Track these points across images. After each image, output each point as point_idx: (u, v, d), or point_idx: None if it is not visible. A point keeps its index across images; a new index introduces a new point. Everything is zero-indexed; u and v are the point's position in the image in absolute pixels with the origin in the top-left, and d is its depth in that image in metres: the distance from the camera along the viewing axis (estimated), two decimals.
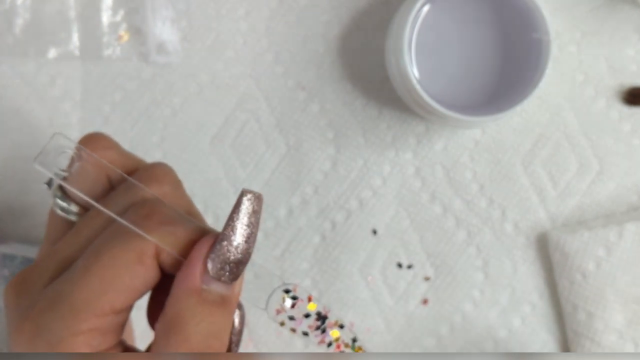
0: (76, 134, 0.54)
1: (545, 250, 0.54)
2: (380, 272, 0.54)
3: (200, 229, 0.32)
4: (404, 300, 0.54)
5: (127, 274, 0.31)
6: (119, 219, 0.31)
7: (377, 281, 0.54)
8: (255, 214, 0.32)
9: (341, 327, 0.36)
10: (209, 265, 0.31)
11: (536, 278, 0.54)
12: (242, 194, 0.32)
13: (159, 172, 0.34)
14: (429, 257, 0.54)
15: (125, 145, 0.36)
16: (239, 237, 0.31)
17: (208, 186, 0.54)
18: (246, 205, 0.32)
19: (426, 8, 0.50)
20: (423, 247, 0.54)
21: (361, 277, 0.54)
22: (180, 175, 0.53)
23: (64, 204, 0.35)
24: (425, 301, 0.54)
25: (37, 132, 0.53)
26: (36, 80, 0.53)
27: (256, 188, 0.54)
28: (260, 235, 0.54)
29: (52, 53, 0.53)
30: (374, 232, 0.54)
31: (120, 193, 0.33)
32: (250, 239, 0.32)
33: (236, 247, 0.31)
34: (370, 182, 0.54)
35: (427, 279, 0.54)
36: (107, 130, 0.54)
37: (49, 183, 0.35)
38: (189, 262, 0.31)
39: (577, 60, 0.55)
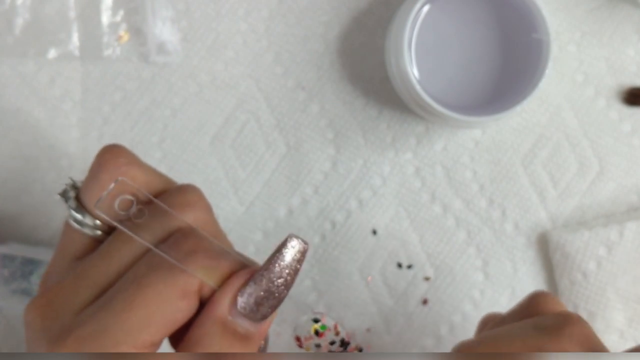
0: (76, 134, 0.54)
1: (546, 251, 0.54)
2: (380, 272, 0.54)
3: (240, 261, 0.33)
4: (403, 300, 0.54)
5: (171, 309, 0.31)
6: (165, 255, 0.31)
7: (376, 281, 0.54)
8: (297, 262, 0.32)
9: (360, 350, 0.37)
10: (239, 300, 0.31)
11: (536, 278, 0.54)
12: (288, 239, 0.32)
13: (192, 196, 0.34)
14: (429, 257, 0.54)
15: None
16: (274, 279, 0.32)
17: (208, 186, 0.54)
18: (289, 252, 0.32)
19: (426, 8, 0.50)
20: (423, 247, 0.54)
21: (361, 277, 0.54)
22: (180, 175, 0.54)
23: (79, 217, 0.34)
24: (425, 301, 0.54)
25: (37, 132, 0.53)
26: (36, 80, 0.53)
27: (256, 188, 0.54)
28: (260, 236, 0.54)
29: (52, 53, 0.53)
30: (374, 232, 0.54)
31: (154, 218, 0.33)
32: (287, 284, 0.32)
33: (270, 289, 0.32)
34: (370, 182, 0.54)
35: (427, 279, 0.54)
36: (107, 130, 0.54)
37: (64, 194, 0.34)
38: (221, 292, 0.32)
39: (577, 60, 0.55)
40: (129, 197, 0.32)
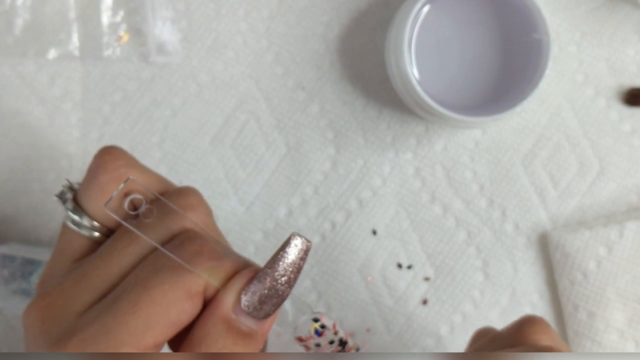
0: (76, 134, 0.54)
1: (546, 251, 0.54)
2: (380, 272, 0.54)
3: (243, 261, 0.33)
4: (403, 300, 0.54)
5: (175, 310, 0.31)
6: (173, 256, 0.31)
7: (376, 281, 0.54)
8: (300, 260, 0.32)
9: (357, 349, 0.37)
10: (243, 298, 0.31)
11: (536, 278, 0.54)
12: (291, 237, 0.32)
13: (192, 199, 0.34)
14: (429, 258, 0.54)
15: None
16: (278, 278, 0.32)
17: (208, 186, 0.54)
18: (292, 250, 0.32)
19: (426, 8, 0.50)
20: (423, 248, 0.54)
21: (361, 278, 0.54)
22: (180, 175, 0.54)
23: (76, 218, 0.34)
24: (425, 301, 0.54)
25: (37, 132, 0.53)
26: (36, 80, 0.53)
27: (256, 188, 0.54)
28: (260, 236, 0.54)
29: (52, 53, 0.53)
30: (374, 232, 0.54)
31: (159, 220, 0.33)
32: (290, 282, 0.32)
33: (273, 287, 0.32)
34: (370, 182, 0.54)
35: (427, 279, 0.54)
36: (107, 130, 0.54)
37: (61, 196, 0.34)
38: (225, 291, 0.32)
39: (577, 61, 0.55)
40: (138, 196, 0.32)
